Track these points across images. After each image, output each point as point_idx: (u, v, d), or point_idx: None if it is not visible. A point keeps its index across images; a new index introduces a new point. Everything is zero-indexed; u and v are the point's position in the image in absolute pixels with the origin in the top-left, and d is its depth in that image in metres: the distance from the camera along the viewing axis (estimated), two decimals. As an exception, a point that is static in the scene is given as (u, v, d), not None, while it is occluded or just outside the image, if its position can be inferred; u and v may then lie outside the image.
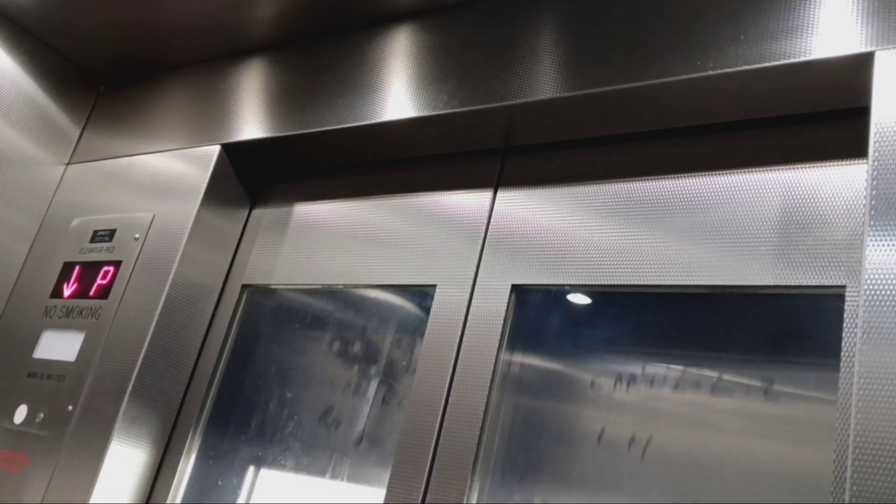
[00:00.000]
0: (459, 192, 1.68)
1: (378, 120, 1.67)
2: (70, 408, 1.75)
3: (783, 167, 1.32)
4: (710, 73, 1.27)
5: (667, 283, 1.35)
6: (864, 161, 1.21)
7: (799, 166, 1.30)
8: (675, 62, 1.32)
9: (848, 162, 1.25)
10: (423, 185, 1.75)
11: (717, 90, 1.31)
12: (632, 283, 1.38)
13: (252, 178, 2.00)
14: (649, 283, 1.36)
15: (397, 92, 1.68)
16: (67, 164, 2.25)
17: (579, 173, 1.54)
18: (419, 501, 1.41)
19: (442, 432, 1.45)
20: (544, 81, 1.47)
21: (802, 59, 1.20)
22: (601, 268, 1.43)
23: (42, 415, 1.80)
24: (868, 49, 1.14)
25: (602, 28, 1.45)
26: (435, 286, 1.60)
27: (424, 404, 1.49)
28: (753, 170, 1.34)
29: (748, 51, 1.25)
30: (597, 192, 1.51)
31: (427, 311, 1.60)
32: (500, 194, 1.62)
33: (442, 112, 1.58)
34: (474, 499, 1.39)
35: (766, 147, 1.35)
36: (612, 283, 1.41)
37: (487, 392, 1.43)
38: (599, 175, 1.52)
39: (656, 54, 1.34)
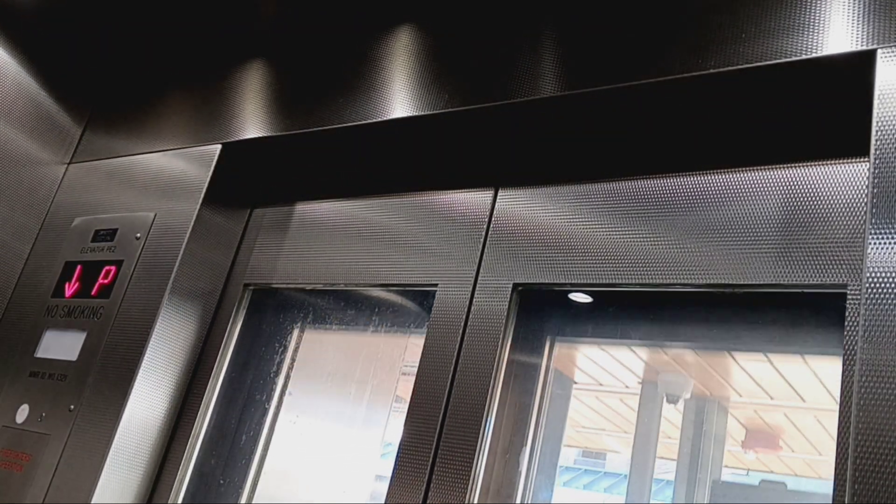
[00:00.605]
0: (460, 191, 1.68)
1: (379, 119, 1.67)
2: (72, 407, 1.76)
3: (784, 165, 1.31)
4: (711, 71, 1.27)
5: (668, 281, 1.34)
6: (866, 159, 1.20)
7: (800, 164, 1.30)
8: (675, 60, 1.31)
9: (849, 160, 1.25)
10: (424, 184, 1.75)
11: (718, 88, 1.31)
12: (633, 281, 1.38)
13: (253, 178, 2.00)
14: (650, 281, 1.36)
15: (398, 91, 1.68)
16: (69, 163, 2.25)
17: (580, 172, 1.54)
18: (420, 501, 1.41)
19: (443, 432, 1.44)
20: (545, 79, 1.46)
21: (804, 57, 1.19)
22: (603, 266, 1.42)
23: (44, 414, 1.80)
24: (869, 47, 1.14)
25: (602, 26, 1.45)
26: (436, 286, 1.60)
27: (426, 404, 1.48)
28: (754, 168, 1.34)
29: (749, 49, 1.24)
30: (598, 190, 1.50)
31: (430, 309, 1.60)
32: (501, 193, 1.62)
33: (443, 111, 1.57)
34: (476, 499, 1.38)
35: (766, 145, 1.35)
36: (614, 281, 1.40)
37: (489, 391, 1.43)
38: (600, 174, 1.51)
39: (657, 52, 1.34)
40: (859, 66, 1.16)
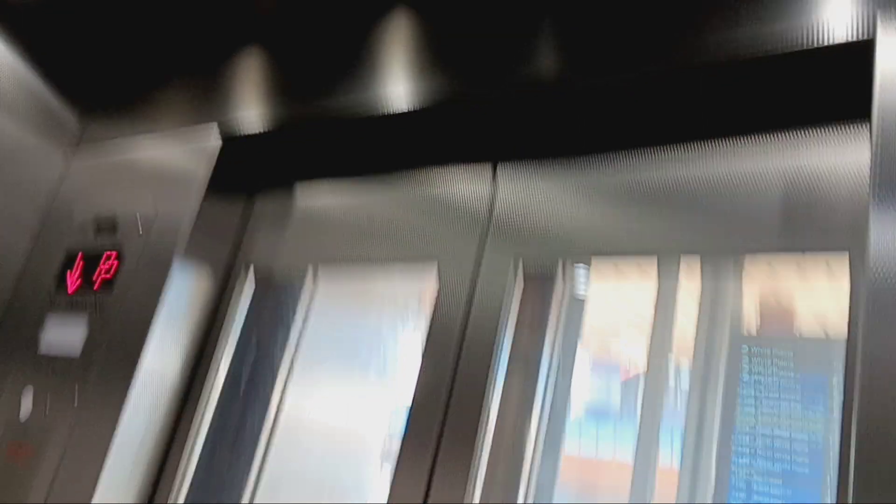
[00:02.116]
0: (461, 171, 1.69)
1: (378, 106, 1.66)
2: (75, 401, 1.76)
3: (786, 151, 1.33)
4: (711, 59, 1.27)
5: (671, 255, 1.35)
6: (868, 145, 1.21)
7: (802, 154, 1.31)
8: (675, 49, 1.32)
9: (851, 146, 1.26)
10: (423, 161, 1.75)
11: (717, 77, 1.31)
12: (637, 252, 1.39)
13: (253, 168, 2.00)
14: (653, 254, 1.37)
15: (397, 77, 1.68)
16: (69, 156, 2.25)
17: (580, 149, 1.55)
18: (422, 501, 1.41)
19: (446, 423, 1.45)
20: (544, 68, 1.47)
21: (803, 43, 1.20)
22: (604, 239, 1.43)
23: (47, 408, 1.80)
24: (870, 36, 1.15)
25: (603, 15, 1.45)
26: (437, 265, 1.60)
27: (428, 396, 1.49)
28: (758, 133, 1.35)
29: (747, 36, 1.25)
30: (598, 162, 1.51)
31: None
32: (500, 172, 1.62)
33: (442, 98, 1.58)
34: (477, 498, 1.39)
35: (768, 133, 1.36)
36: (617, 253, 1.41)
37: (492, 376, 1.43)
38: (599, 149, 1.52)
39: (657, 41, 1.35)
40: (859, 52, 1.16)
